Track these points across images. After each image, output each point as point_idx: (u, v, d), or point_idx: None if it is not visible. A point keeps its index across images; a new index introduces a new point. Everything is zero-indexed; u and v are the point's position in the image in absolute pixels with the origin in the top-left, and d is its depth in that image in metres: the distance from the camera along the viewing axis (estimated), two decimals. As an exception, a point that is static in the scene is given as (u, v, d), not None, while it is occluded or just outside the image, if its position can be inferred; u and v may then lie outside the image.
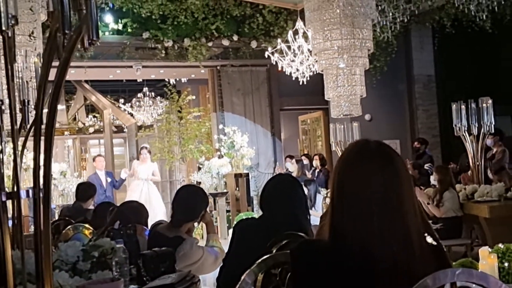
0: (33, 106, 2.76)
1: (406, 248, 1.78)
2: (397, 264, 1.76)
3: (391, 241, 1.78)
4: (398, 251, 1.77)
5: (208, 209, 4.14)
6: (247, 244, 3.19)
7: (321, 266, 1.83)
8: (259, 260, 2.23)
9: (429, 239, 1.87)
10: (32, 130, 1.86)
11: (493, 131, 8.25)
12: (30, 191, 1.76)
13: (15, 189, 1.82)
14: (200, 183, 10.86)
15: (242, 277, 2.19)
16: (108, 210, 5.03)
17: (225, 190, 10.96)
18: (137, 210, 4.39)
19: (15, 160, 1.91)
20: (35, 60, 3.59)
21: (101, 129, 17.76)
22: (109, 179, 10.86)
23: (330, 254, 1.84)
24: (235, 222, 5.40)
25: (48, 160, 1.74)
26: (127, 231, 3.57)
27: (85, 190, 6.99)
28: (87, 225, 4.57)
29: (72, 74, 12.29)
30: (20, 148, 2.14)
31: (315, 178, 10.56)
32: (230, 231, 7.73)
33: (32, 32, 5.97)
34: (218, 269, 3.71)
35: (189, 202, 3.92)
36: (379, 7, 8.29)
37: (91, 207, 6.79)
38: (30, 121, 2.57)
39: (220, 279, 3.44)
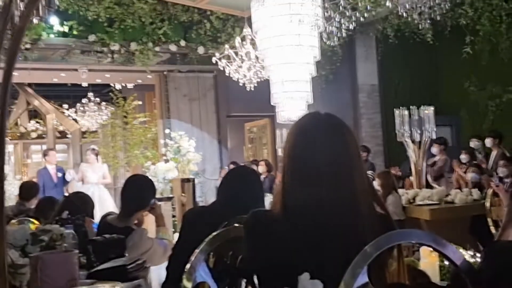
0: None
1: (355, 216, 1.84)
2: (346, 231, 1.82)
3: (340, 208, 1.84)
4: (347, 218, 1.83)
5: (157, 202, 4.17)
6: (196, 229, 3.19)
7: (273, 235, 1.88)
8: (210, 237, 2.24)
9: (377, 208, 1.94)
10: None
11: (435, 137, 8.47)
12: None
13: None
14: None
15: (194, 255, 2.19)
16: (50, 205, 4.99)
17: (171, 195, 10.89)
18: (84, 200, 4.41)
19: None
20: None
21: (44, 135, 17.46)
22: (60, 174, 10.69)
23: (281, 222, 1.88)
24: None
25: (2, 125, 1.75)
26: (76, 221, 3.55)
27: (29, 189, 6.89)
28: (32, 219, 4.52)
29: (15, 77, 12.01)
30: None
31: (260, 184, 10.57)
32: (176, 235, 7.68)
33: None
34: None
35: (138, 190, 3.95)
36: (326, 13, 8.42)
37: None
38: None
39: (170, 267, 3.45)
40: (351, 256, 1.62)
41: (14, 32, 1.72)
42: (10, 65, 1.77)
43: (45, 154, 11.25)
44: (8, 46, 1.79)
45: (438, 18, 9.53)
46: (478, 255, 4.43)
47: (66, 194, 9.26)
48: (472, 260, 3.27)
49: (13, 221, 4.56)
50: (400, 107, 8.42)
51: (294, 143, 1.96)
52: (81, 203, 4.27)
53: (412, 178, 8.78)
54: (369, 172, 10.79)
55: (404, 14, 9.20)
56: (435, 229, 7.22)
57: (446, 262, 4.24)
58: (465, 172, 9.28)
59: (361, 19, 9.38)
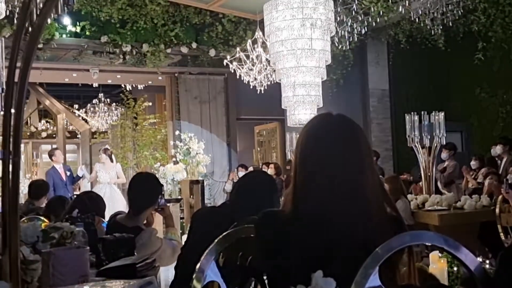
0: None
1: (366, 217, 1.84)
2: (357, 233, 1.82)
3: (351, 211, 1.84)
4: (357, 221, 1.83)
5: (166, 203, 4.17)
6: (205, 230, 3.18)
7: (283, 235, 1.89)
8: (220, 237, 2.24)
9: (388, 210, 1.94)
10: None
11: (444, 142, 8.46)
12: (0, 153, 1.76)
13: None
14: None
15: (204, 254, 2.19)
16: (60, 203, 5.01)
17: (179, 197, 10.90)
18: (95, 201, 4.41)
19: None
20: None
21: (54, 135, 17.53)
22: (68, 173, 10.72)
23: (292, 222, 1.89)
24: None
25: (18, 123, 1.76)
26: (86, 220, 3.56)
27: (38, 187, 6.90)
28: (42, 218, 4.53)
29: (27, 76, 12.09)
30: None
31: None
32: (184, 237, 7.70)
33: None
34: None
35: (145, 187, 3.95)
36: (338, 18, 8.45)
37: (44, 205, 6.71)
38: None
39: (178, 267, 3.46)
40: (362, 257, 1.62)
41: (32, 30, 1.74)
42: (27, 64, 1.79)
43: (51, 154, 11.26)
44: (26, 44, 1.81)
45: (451, 24, 9.56)
46: (487, 261, 4.43)
47: (76, 192, 9.28)
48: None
49: (23, 218, 4.57)
50: (411, 113, 8.40)
51: (305, 143, 1.96)
52: (92, 203, 4.28)
53: (422, 184, 8.75)
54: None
55: (417, 20, 9.24)
56: (444, 235, 7.19)
57: (455, 268, 4.24)
58: (475, 178, 9.25)
59: (373, 24, 9.43)
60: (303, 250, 1.84)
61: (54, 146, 14.50)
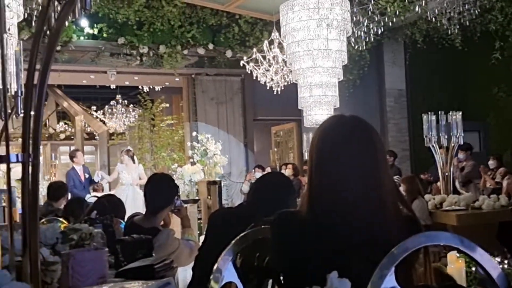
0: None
1: (382, 218, 1.85)
2: (373, 234, 1.82)
3: (367, 211, 1.85)
4: (374, 221, 1.84)
5: (183, 204, 4.20)
6: (222, 230, 3.19)
7: (299, 236, 1.90)
8: (237, 238, 2.25)
9: (403, 210, 1.95)
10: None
11: (462, 143, 8.42)
12: (20, 156, 1.79)
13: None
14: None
15: (221, 255, 2.21)
16: (79, 205, 5.05)
17: (196, 198, 10.93)
18: (116, 205, 4.45)
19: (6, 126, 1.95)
20: (16, 48, 3.61)
21: (72, 136, 17.66)
22: (87, 175, 10.79)
23: (308, 223, 1.90)
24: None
25: (37, 126, 1.79)
26: (104, 221, 3.60)
27: (57, 189, 6.92)
28: (61, 219, 4.57)
29: (45, 78, 12.19)
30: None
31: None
32: (202, 237, 7.72)
33: (9, 29, 5.97)
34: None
35: (161, 187, 3.98)
36: (354, 18, 8.43)
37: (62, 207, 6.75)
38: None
39: (196, 267, 3.48)
40: (379, 257, 1.62)
41: (51, 33, 1.76)
42: (46, 67, 1.81)
43: (72, 155, 11.29)
44: (44, 49, 1.83)
45: (467, 23, 9.52)
46: (506, 261, 4.40)
47: (94, 194, 9.31)
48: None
49: (42, 220, 4.61)
50: (428, 112, 8.37)
51: (319, 145, 1.97)
52: (112, 206, 4.31)
53: (439, 184, 8.72)
54: (396, 177, 10.73)
55: (433, 19, 9.21)
56: (462, 235, 7.15)
57: (473, 268, 4.22)
58: (493, 178, 9.20)
59: (390, 24, 9.41)
60: (318, 251, 1.85)
61: (73, 147, 14.60)
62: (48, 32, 1.83)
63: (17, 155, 1.81)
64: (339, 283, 1.49)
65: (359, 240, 1.82)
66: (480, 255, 1.68)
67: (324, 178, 1.92)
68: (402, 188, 7.96)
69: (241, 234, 2.27)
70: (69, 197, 7.79)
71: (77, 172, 10.73)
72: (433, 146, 8.37)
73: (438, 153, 8.43)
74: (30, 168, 1.83)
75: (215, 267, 2.17)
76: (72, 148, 14.33)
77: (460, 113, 8.30)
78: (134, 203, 10.77)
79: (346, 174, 1.88)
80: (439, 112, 8.32)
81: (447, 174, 8.45)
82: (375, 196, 1.87)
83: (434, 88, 13.15)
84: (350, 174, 1.88)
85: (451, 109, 8.47)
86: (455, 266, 4.16)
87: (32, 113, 1.90)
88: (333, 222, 1.85)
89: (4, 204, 4.84)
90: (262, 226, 2.35)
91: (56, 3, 1.75)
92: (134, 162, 11.57)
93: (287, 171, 11.75)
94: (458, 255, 4.15)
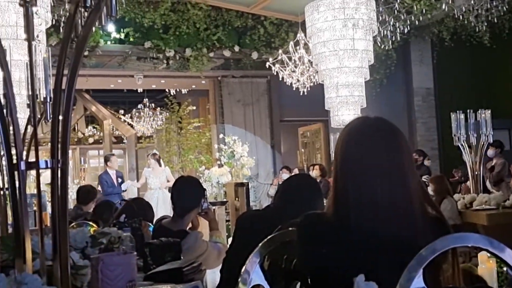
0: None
1: (408, 220, 1.83)
2: (399, 236, 1.81)
3: (394, 212, 1.83)
4: (400, 223, 1.83)
5: (210, 206, 4.21)
6: (250, 233, 3.19)
7: (326, 238, 1.90)
8: (264, 240, 2.25)
9: (430, 211, 1.93)
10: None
11: (491, 141, 8.32)
12: (49, 161, 1.82)
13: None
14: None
15: (249, 258, 2.21)
16: (108, 208, 5.09)
17: (224, 200, 10.95)
18: (144, 208, 4.49)
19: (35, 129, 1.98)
20: (44, 55, 3.66)
21: (101, 140, 17.84)
22: (120, 180, 10.88)
23: (334, 225, 1.89)
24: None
25: (65, 131, 1.81)
26: (133, 224, 3.63)
27: (86, 193, 7.00)
28: (90, 223, 4.62)
29: (73, 83, 12.33)
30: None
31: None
32: (230, 240, 7.73)
33: (37, 36, 6.05)
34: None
35: (187, 189, 4.00)
36: (380, 17, 8.39)
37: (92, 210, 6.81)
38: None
39: (224, 270, 3.49)
40: (406, 259, 1.61)
41: (78, 41, 1.79)
42: (74, 73, 1.84)
43: (107, 159, 11.39)
44: (72, 55, 1.86)
45: (495, 20, 9.41)
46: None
47: (125, 199, 9.40)
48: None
49: (72, 224, 4.67)
50: (457, 111, 8.29)
51: (344, 147, 1.96)
52: (141, 210, 4.35)
53: (469, 183, 8.63)
54: (425, 176, 10.64)
55: (461, 17, 9.13)
56: (493, 235, 7.04)
57: (505, 268, 4.17)
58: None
59: (416, 22, 9.34)
60: (344, 253, 1.84)
61: (101, 151, 14.73)
62: (75, 38, 1.86)
63: (46, 161, 1.84)
64: (366, 286, 1.49)
65: (386, 242, 1.81)
66: (510, 256, 1.66)
67: (349, 180, 1.91)
68: (430, 188, 7.90)
69: (268, 237, 2.28)
70: (102, 199, 7.86)
71: (110, 176, 10.82)
72: (462, 145, 8.29)
73: (467, 152, 8.35)
74: (59, 173, 1.86)
75: (243, 269, 2.18)
76: (101, 152, 14.47)
77: (489, 111, 8.20)
78: (165, 206, 10.83)
79: (371, 175, 1.87)
80: (468, 111, 8.23)
81: (477, 173, 8.36)
82: (401, 197, 1.86)
83: (462, 86, 13.02)
84: (375, 176, 1.87)
85: (479, 107, 8.37)
86: (486, 266, 4.12)
87: (61, 118, 1.92)
88: (358, 224, 1.84)
89: (34, 208, 4.91)
90: (290, 229, 2.36)
91: (82, 10, 1.77)
92: (160, 165, 11.62)
93: (315, 172, 11.71)
94: (489, 255, 4.11)
